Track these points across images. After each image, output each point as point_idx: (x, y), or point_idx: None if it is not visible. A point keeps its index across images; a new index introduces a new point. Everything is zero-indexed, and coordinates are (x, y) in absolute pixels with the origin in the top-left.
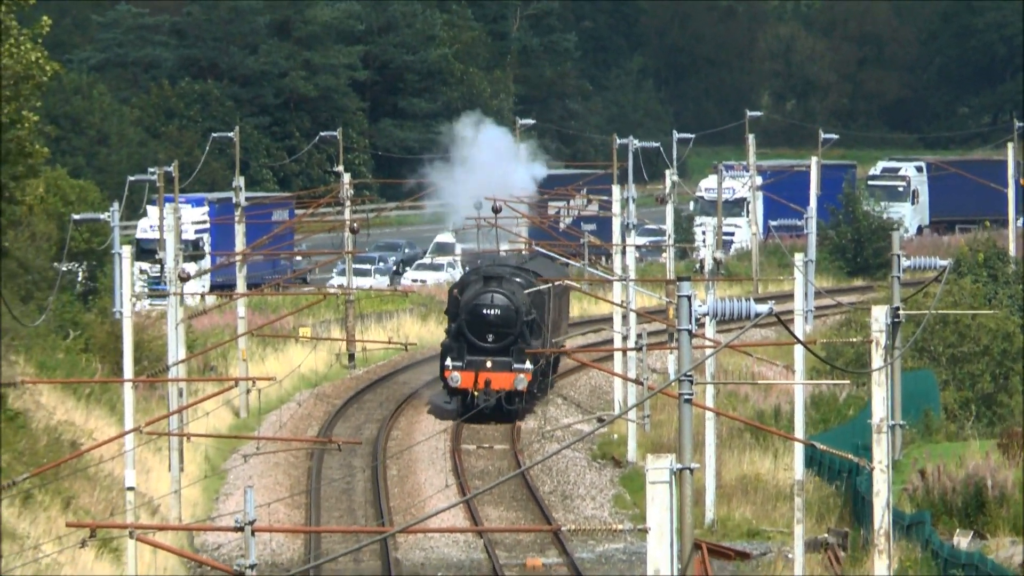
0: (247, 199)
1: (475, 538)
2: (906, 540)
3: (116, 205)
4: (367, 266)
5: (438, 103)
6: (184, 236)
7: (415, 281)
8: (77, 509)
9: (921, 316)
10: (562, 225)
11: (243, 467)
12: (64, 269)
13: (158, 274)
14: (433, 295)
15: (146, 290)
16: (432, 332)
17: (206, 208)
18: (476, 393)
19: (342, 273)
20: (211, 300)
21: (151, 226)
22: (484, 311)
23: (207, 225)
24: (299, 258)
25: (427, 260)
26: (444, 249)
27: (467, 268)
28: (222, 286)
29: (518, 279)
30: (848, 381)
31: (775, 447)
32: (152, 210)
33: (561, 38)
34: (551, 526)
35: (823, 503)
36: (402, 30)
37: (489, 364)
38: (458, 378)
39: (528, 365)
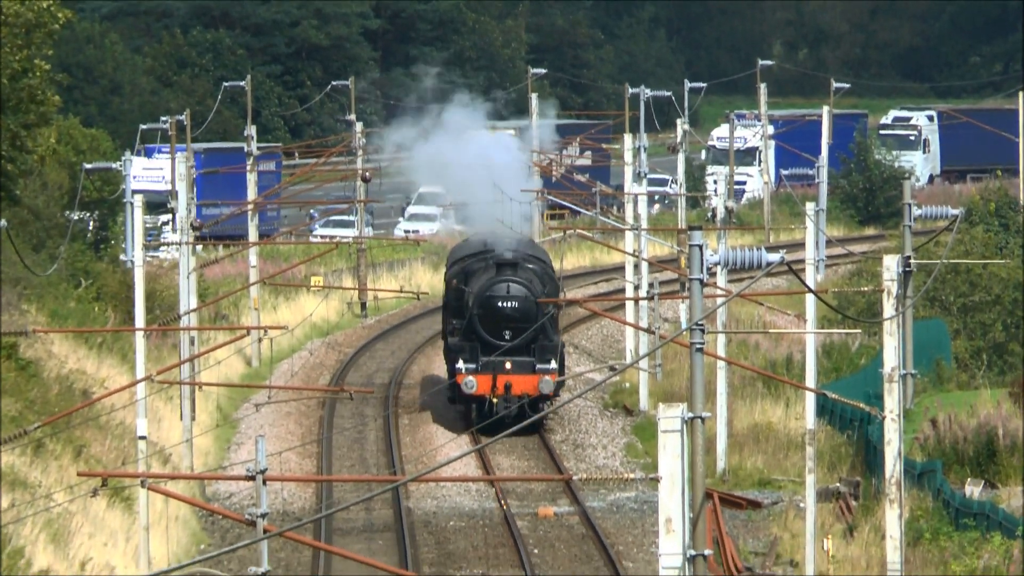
0: (230, 149)
1: (487, 487)
2: (917, 489)
3: (128, 154)
4: (351, 217)
5: (450, 52)
6: (167, 187)
7: (407, 232)
8: (88, 458)
9: (932, 265)
10: (554, 176)
11: (255, 416)
12: (75, 218)
13: (150, 226)
14: (444, 243)
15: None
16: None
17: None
18: (495, 400)
19: (325, 225)
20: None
21: (135, 177)
22: (499, 304)
23: (193, 175)
24: (298, 209)
25: (418, 210)
26: (428, 199)
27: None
28: (207, 236)
29: (531, 265)
30: (860, 330)
31: (787, 396)
32: (138, 161)
33: None
34: (563, 475)
35: (835, 452)
36: None
37: (508, 365)
38: (473, 383)
39: (553, 365)
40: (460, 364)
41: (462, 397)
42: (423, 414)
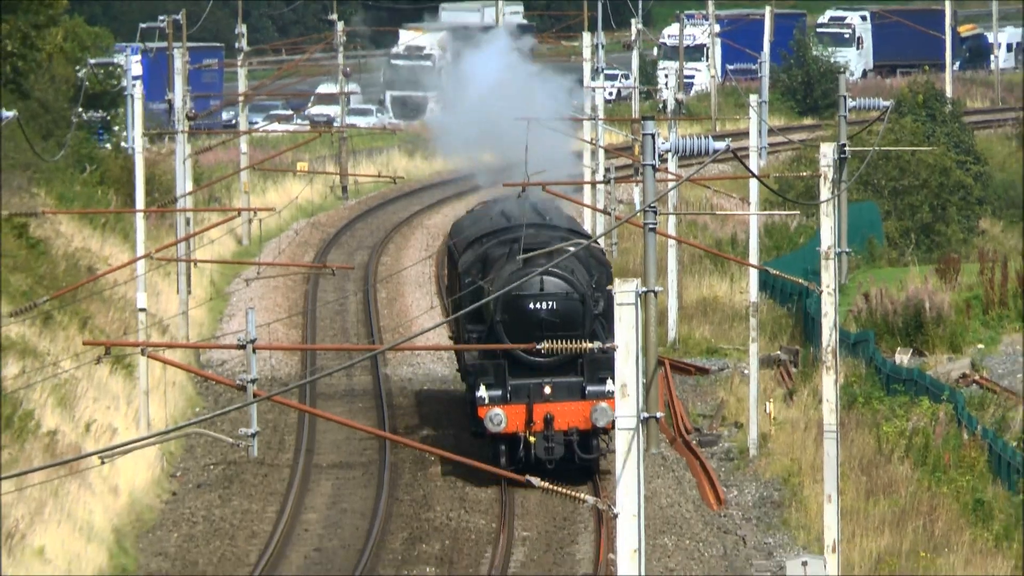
0: (191, 48)
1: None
2: (852, 357)
3: (130, 49)
4: (288, 112)
5: None
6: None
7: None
8: (93, 329)
9: (865, 152)
10: None
11: (245, 290)
12: (80, 109)
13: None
14: (418, 133)
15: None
16: (418, 167)
17: (138, 57)
18: (532, 439)
19: (266, 119)
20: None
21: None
22: (532, 306)
23: (139, 73)
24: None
25: (355, 105)
26: (327, 100)
27: (461, 228)
28: (201, 127)
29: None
30: (798, 212)
31: (732, 272)
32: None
33: None
34: (527, 345)
35: (776, 323)
36: None
37: (548, 390)
38: (502, 417)
39: (610, 386)
40: (483, 392)
41: (487, 435)
42: (399, 288)
